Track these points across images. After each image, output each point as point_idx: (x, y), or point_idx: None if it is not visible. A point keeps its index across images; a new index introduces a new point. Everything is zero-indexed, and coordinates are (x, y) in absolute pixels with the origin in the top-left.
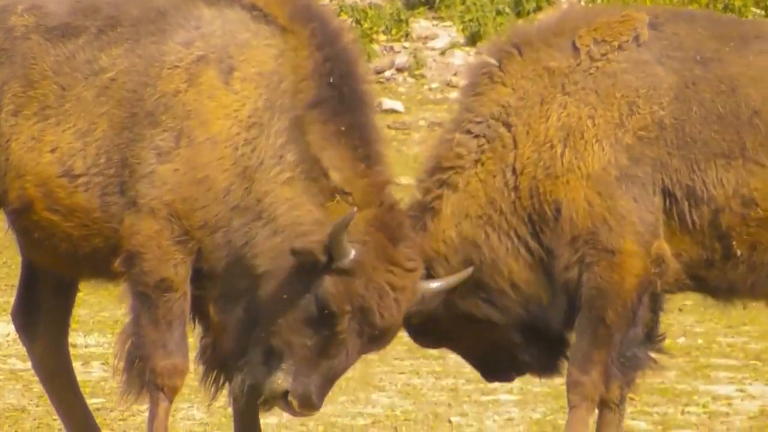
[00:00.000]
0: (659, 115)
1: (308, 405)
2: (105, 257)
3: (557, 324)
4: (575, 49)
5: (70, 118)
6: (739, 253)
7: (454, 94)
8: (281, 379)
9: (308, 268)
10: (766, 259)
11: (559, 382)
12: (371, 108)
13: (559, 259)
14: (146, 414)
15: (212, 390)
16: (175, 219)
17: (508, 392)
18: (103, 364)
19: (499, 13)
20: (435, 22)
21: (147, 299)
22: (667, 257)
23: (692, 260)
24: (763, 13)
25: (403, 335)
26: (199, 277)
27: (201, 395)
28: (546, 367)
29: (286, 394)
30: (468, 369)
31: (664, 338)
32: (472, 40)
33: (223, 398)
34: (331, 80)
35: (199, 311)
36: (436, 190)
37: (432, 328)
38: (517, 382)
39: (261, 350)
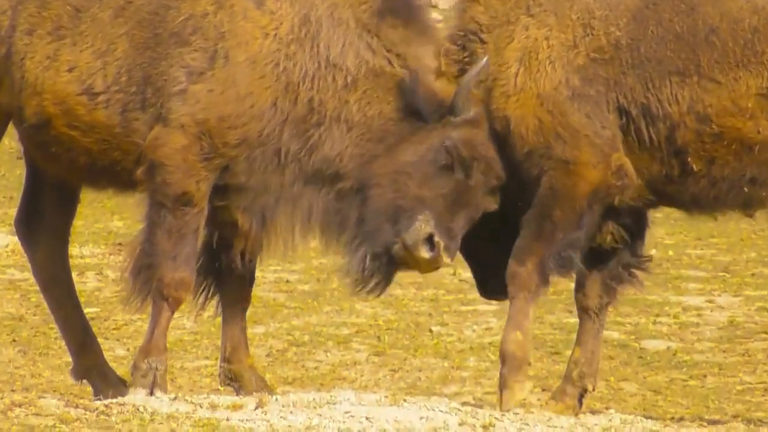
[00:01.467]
0: (615, 36)
1: (452, 245)
2: (123, 169)
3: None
4: None
5: (86, 38)
6: (696, 168)
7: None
8: (424, 224)
9: (429, 129)
10: (724, 173)
11: None
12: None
13: (521, 173)
14: (138, 323)
15: (202, 300)
16: (206, 137)
17: (486, 303)
18: (97, 274)
19: None
20: None
21: (164, 210)
22: (628, 170)
23: (652, 176)
24: None
25: None
26: (221, 191)
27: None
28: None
29: (430, 238)
30: (448, 280)
31: (649, 259)
32: None
33: (212, 308)
34: None
35: (213, 223)
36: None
37: None
38: None
39: (383, 217)
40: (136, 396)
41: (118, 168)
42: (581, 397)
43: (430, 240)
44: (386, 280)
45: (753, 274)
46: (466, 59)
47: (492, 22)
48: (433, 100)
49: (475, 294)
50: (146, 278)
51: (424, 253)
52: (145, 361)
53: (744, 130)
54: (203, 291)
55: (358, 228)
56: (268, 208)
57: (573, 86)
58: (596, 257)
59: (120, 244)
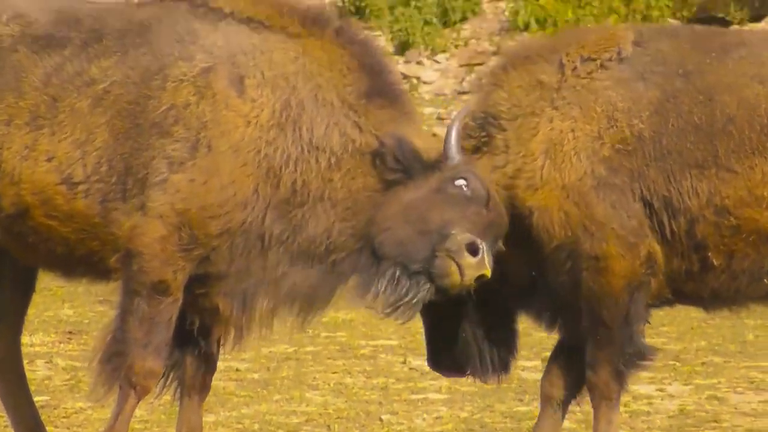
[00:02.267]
0: (638, 128)
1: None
2: (101, 259)
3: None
4: (562, 65)
5: (65, 128)
6: (716, 263)
7: None
8: (460, 235)
9: (425, 178)
10: (744, 266)
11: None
12: (405, 89)
13: (547, 265)
14: (89, 412)
15: (160, 386)
16: (185, 227)
17: (437, 391)
18: (47, 362)
19: (426, 23)
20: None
21: (138, 298)
22: (657, 256)
23: (672, 272)
24: (680, 24)
25: (336, 336)
26: (201, 279)
27: None
28: (501, 363)
29: (473, 243)
30: (398, 368)
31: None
32: (401, 49)
33: (165, 397)
34: (375, 68)
35: (192, 310)
36: None
37: None
38: (446, 382)
39: (409, 244)
40: None
41: (95, 258)
42: None
43: (473, 245)
44: (420, 300)
45: (703, 363)
46: (484, 139)
47: (515, 112)
48: (419, 153)
49: (425, 382)
50: (115, 366)
51: (469, 258)
52: None
53: (761, 221)
54: (162, 377)
55: (380, 264)
56: (249, 292)
57: (598, 176)
58: (567, 349)
59: (71, 332)
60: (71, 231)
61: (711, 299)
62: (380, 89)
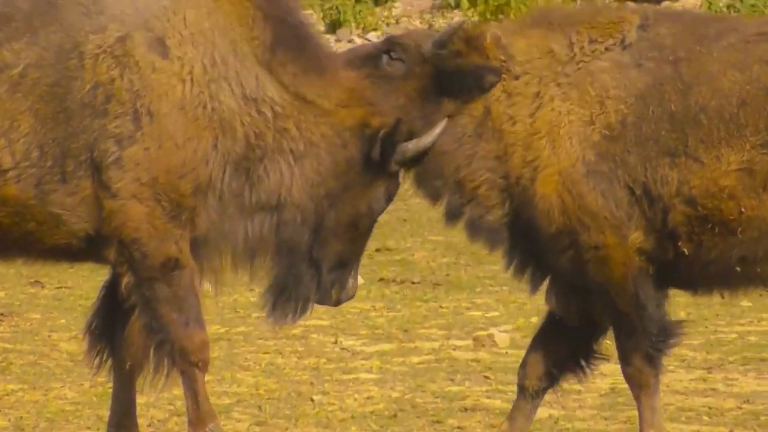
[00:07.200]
0: (623, 114)
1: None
2: (37, 239)
3: None
4: (572, 42)
5: None
6: (686, 252)
7: None
8: (353, 281)
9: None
10: (712, 256)
11: (416, 360)
12: (317, 30)
13: (545, 246)
14: (20, 393)
15: (96, 364)
16: (163, 195)
17: (368, 371)
18: None
19: (358, 1)
20: None
21: (155, 282)
22: (647, 247)
23: (652, 258)
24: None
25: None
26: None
27: (73, 374)
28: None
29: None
30: (329, 348)
31: (606, 358)
32: (333, 27)
33: (98, 377)
34: (287, 19)
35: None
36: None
37: None
38: (377, 362)
39: (325, 265)
40: None
41: (31, 239)
42: None
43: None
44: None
45: None
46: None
47: (526, 68)
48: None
49: (357, 362)
50: (166, 353)
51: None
52: (206, 429)
53: (725, 212)
54: (98, 355)
55: (296, 277)
56: (210, 250)
57: (588, 162)
58: (551, 339)
59: (2, 314)
60: (5, 215)
61: (688, 286)
62: (281, 40)
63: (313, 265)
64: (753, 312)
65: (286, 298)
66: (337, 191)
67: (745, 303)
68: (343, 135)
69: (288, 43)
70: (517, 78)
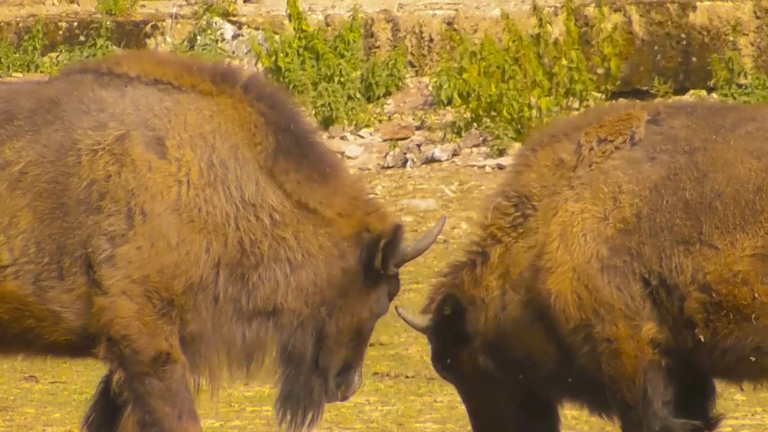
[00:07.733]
0: (638, 207)
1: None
2: (36, 336)
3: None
4: (580, 145)
5: None
6: (703, 340)
7: None
8: (358, 377)
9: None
10: (728, 343)
11: None
12: (320, 137)
13: (567, 346)
14: None
15: None
16: (153, 293)
17: None
18: None
19: (350, 98)
20: None
21: (147, 377)
22: (660, 339)
23: (668, 350)
24: (603, 97)
25: (261, 411)
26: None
27: None
28: None
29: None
30: None
31: (717, 421)
32: (325, 124)
33: None
34: (289, 126)
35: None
36: (488, 239)
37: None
38: None
39: (332, 372)
40: None
41: (31, 335)
42: None
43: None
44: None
45: None
46: (518, 219)
47: (542, 192)
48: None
49: None
50: None
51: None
52: None
53: (739, 297)
54: None
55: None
56: (203, 351)
57: (602, 258)
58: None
59: None
60: (4, 311)
61: (709, 373)
62: (284, 148)
63: (321, 374)
64: (747, 405)
65: (302, 409)
66: (334, 299)
67: (738, 396)
68: (341, 245)
69: (292, 151)
70: (539, 208)
